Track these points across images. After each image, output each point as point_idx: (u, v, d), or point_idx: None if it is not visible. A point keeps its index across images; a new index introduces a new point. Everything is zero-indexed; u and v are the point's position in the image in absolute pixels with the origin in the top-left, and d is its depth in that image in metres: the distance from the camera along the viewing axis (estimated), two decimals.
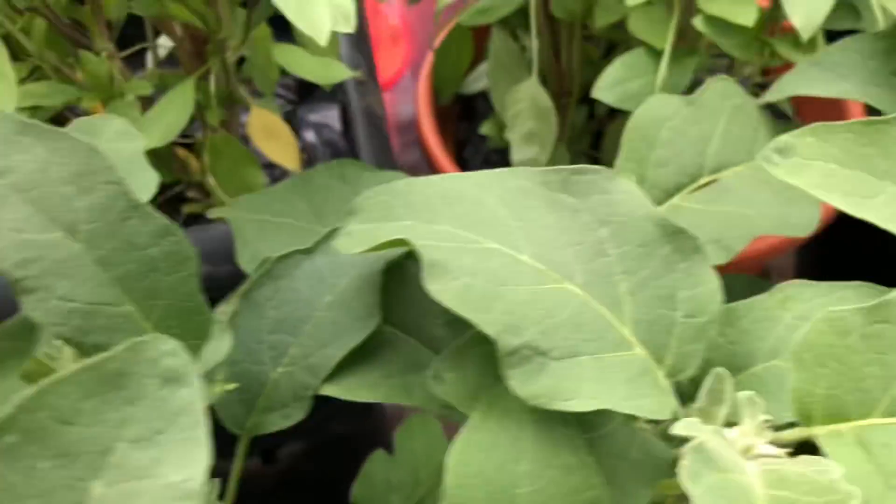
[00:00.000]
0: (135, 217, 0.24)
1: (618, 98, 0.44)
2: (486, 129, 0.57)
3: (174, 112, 0.43)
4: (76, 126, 0.29)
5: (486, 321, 0.22)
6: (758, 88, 0.56)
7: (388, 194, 0.27)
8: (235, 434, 0.28)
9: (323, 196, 0.40)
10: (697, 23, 0.43)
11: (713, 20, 0.42)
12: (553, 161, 0.59)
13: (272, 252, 0.37)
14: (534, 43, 0.51)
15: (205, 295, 0.42)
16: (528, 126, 0.51)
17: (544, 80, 0.58)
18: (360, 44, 0.60)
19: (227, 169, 0.49)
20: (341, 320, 0.27)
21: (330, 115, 0.65)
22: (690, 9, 0.44)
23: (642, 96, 0.45)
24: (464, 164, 0.68)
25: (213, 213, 0.39)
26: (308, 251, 0.29)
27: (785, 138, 0.30)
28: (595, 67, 0.58)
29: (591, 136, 0.65)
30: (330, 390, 0.27)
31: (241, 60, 0.56)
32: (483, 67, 0.64)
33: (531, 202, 0.26)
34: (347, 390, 0.27)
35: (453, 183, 0.27)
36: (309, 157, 0.63)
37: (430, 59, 0.62)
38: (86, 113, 0.48)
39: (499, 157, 0.64)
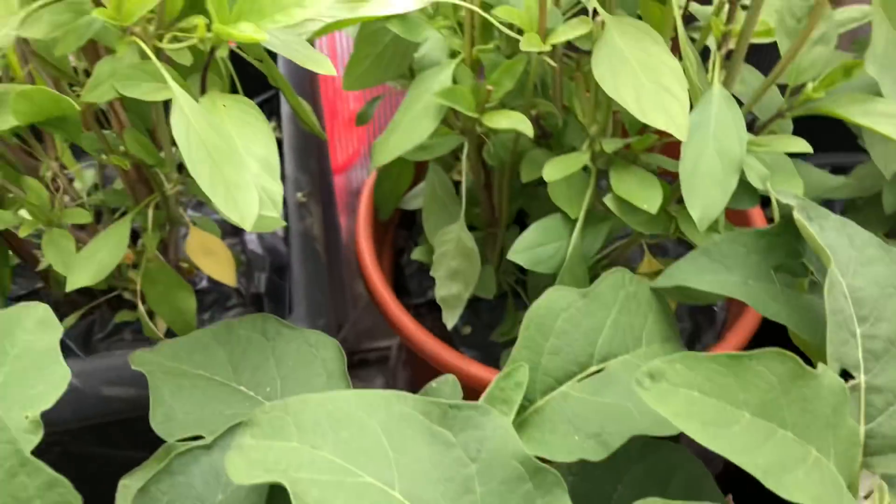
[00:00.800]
0: (22, 473, 0.26)
1: (531, 261, 0.47)
2: (416, 254, 0.60)
3: (107, 252, 0.45)
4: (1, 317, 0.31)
5: None
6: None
7: (282, 410, 0.29)
8: None
9: (242, 349, 0.42)
10: (607, 201, 0.46)
11: (621, 200, 0.46)
12: (481, 286, 0.62)
13: (185, 412, 0.39)
14: (464, 190, 0.54)
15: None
16: (452, 265, 0.54)
17: (476, 209, 0.61)
18: (306, 161, 0.62)
19: (161, 294, 0.50)
20: None
21: None
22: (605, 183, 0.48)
23: (555, 260, 0.48)
24: (399, 271, 0.71)
25: (134, 363, 0.41)
26: (207, 447, 0.31)
27: (657, 364, 0.33)
28: (529, 193, 0.62)
29: None
30: None
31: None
32: (423, 186, 0.67)
33: (411, 431, 0.29)
34: None
35: (343, 403, 0.29)
36: (249, 263, 0.65)
37: (372, 177, 0.65)
38: None
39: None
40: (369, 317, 1.04)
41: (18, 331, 0.31)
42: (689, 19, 0.54)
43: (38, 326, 0.32)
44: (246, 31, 0.38)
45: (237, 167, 0.37)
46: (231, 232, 0.68)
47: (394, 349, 0.88)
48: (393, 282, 0.70)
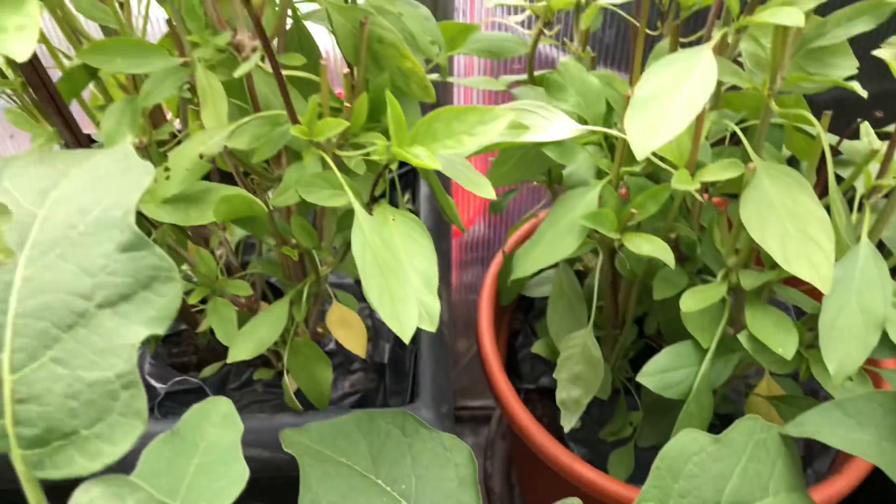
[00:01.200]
0: None
1: (660, 385, 0.49)
2: (537, 348, 0.62)
3: (266, 329, 0.49)
4: (192, 412, 0.35)
5: None
6: None
7: None
8: None
9: (382, 441, 0.45)
10: (742, 338, 0.47)
11: (755, 339, 0.47)
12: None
13: (329, 502, 0.42)
14: (594, 299, 0.56)
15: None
16: (576, 370, 0.55)
17: (599, 308, 0.63)
18: (439, 243, 0.65)
19: (301, 364, 0.54)
20: None
21: None
22: (740, 317, 0.49)
23: (684, 386, 0.49)
24: (513, 352, 0.73)
25: (285, 444, 0.44)
26: None
27: None
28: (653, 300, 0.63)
29: (636, 352, 0.69)
30: None
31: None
32: (546, 274, 0.69)
33: None
34: None
35: None
36: (376, 330, 0.69)
37: (497, 263, 0.68)
38: None
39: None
40: (466, 376, 1.07)
41: (206, 424, 0.35)
42: (833, 151, 0.55)
43: (222, 421, 0.36)
44: (421, 157, 0.42)
45: (402, 281, 0.40)
46: (361, 297, 0.72)
47: (493, 421, 0.90)
48: (505, 363, 0.72)
